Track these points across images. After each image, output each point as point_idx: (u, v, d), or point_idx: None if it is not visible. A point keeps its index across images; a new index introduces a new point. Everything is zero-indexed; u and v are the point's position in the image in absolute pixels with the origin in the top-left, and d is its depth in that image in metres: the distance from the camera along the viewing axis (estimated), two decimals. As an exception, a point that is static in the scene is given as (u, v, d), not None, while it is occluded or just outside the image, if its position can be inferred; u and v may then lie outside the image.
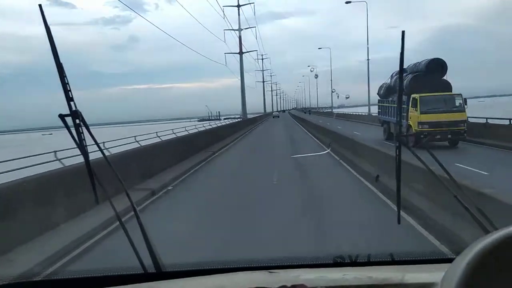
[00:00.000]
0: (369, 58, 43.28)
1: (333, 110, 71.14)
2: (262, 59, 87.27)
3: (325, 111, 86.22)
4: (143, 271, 1.52)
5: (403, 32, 1.54)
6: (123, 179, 1.58)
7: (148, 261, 1.51)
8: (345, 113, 61.47)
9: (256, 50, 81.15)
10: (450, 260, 0.95)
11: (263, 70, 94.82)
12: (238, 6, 53.59)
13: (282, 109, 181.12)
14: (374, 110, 32.93)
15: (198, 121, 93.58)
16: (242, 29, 55.27)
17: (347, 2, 42.53)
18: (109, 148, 16.40)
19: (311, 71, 70.28)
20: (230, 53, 55.23)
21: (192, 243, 6.32)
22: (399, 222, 1.88)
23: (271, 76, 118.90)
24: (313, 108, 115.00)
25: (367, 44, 42.88)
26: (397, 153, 1.62)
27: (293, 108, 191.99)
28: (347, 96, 60.25)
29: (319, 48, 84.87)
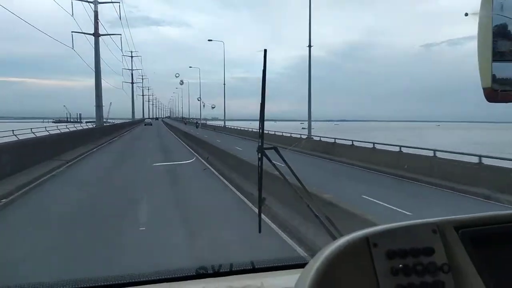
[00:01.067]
0: (243, 76, 45.63)
1: (201, 121, 72.83)
2: (132, 56, 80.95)
3: (192, 121, 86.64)
4: None
5: (265, 51, 1.62)
6: None
7: None
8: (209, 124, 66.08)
9: (120, 35, 58.79)
10: (304, 265, 1.03)
11: (132, 70, 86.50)
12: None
13: (155, 116, 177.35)
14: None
15: (54, 122, 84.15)
16: (99, 2, 38.86)
17: (209, 40, 49.13)
18: None
19: (176, 76, 68.94)
20: (80, 33, 37.28)
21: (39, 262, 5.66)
22: (260, 231, 1.97)
23: (142, 79, 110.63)
24: (186, 118, 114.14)
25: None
26: (259, 164, 1.70)
27: (166, 117, 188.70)
28: (213, 106, 61.92)
29: (190, 67, 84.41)
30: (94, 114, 41.07)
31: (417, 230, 0.98)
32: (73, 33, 35.34)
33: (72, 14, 34.67)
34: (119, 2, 49.18)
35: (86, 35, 38.17)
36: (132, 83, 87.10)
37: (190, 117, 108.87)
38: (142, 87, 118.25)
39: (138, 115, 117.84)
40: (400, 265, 0.93)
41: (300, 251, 6.22)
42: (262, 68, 1.61)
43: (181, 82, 70.51)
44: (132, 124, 74.20)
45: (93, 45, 38.61)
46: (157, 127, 69.05)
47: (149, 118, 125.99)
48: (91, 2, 37.88)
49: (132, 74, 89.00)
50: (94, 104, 39.40)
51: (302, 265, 1.61)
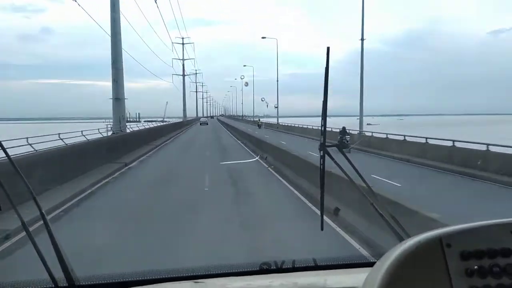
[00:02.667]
0: (295, 72, 45.08)
1: (260, 119, 72.33)
2: (183, 43, 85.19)
3: (252, 119, 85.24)
4: (53, 286, 1.42)
5: (328, 48, 1.62)
6: (30, 183, 1.46)
7: (59, 274, 1.40)
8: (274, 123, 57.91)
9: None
10: (370, 264, 1.03)
11: (196, 83, 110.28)
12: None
13: (210, 115, 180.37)
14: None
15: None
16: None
17: (263, 38, 50.48)
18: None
19: (242, 78, 71.98)
20: (176, 75, 72.97)
21: (111, 253, 6.05)
22: (322, 228, 1.98)
23: (202, 86, 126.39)
24: (240, 116, 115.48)
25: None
26: (321, 162, 1.71)
27: (221, 115, 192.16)
28: (275, 106, 61.19)
29: (244, 66, 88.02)
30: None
31: (494, 231, 0.96)
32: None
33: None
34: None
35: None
36: (184, 75, 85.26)
37: (245, 114, 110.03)
38: (196, 81, 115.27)
39: (191, 114, 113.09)
40: (476, 266, 0.91)
41: (362, 251, 6.13)
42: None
43: (246, 84, 72.74)
44: (179, 126, 54.09)
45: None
46: (213, 129, 59.25)
47: (204, 117, 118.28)
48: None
49: (196, 86, 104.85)
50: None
51: (365, 264, 1.61)
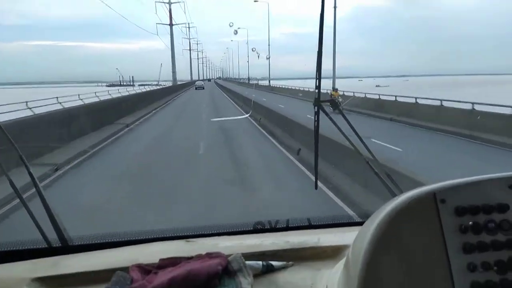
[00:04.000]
0: (293, 31, 44.14)
1: (258, 82, 71.72)
2: (188, 27, 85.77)
3: (252, 82, 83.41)
4: (46, 245, 1.44)
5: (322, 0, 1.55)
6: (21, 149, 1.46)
7: (52, 235, 1.43)
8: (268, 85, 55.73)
9: (185, 24, 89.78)
10: (361, 224, 1.02)
11: (189, 39, 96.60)
12: None
13: (207, 77, 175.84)
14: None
15: (107, 85, 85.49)
16: (172, 2, 62.82)
17: (255, 1, 47.38)
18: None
19: (230, 26, 69.90)
20: (161, 24, 61.61)
21: (103, 215, 6.16)
22: (316, 187, 1.98)
23: (197, 44, 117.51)
24: (236, 78, 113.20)
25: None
26: (316, 119, 1.68)
27: (218, 78, 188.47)
28: (267, 57, 60.24)
29: (237, 29, 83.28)
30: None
31: (491, 185, 0.93)
32: (157, 24, 42.21)
33: (156, 12, 40.19)
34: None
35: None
36: (190, 50, 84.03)
37: (240, 77, 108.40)
38: (197, 51, 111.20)
39: (186, 77, 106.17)
40: (470, 222, 0.89)
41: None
42: (316, 22, 1.54)
43: (235, 32, 70.24)
44: (166, 93, 43.19)
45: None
46: (210, 93, 53.07)
47: (200, 80, 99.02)
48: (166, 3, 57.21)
49: (189, 44, 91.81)
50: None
51: (357, 224, 1.62)
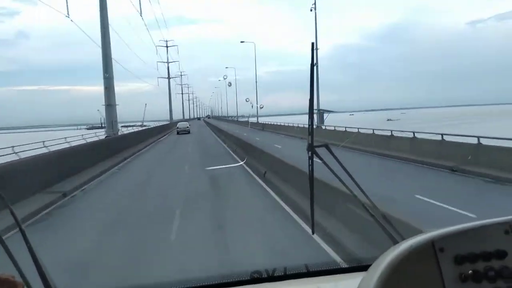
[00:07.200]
0: (278, 70, 45.24)
1: (249, 119, 72.26)
2: (167, 46, 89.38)
3: (241, 120, 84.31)
4: None
5: (312, 44, 1.64)
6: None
7: (38, 286, 1.36)
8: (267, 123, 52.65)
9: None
10: (362, 269, 1.02)
11: (182, 85, 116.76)
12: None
13: (197, 116, 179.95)
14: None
15: (87, 128, 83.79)
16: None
17: (241, 42, 54.96)
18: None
19: (224, 78, 72.76)
20: (161, 78, 79.32)
21: (92, 267, 5.98)
22: (313, 232, 1.97)
23: (188, 87, 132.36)
24: (225, 116, 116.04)
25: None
26: (310, 163, 1.70)
27: (207, 116, 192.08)
28: (261, 106, 61.78)
29: (226, 67, 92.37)
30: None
31: (488, 231, 0.95)
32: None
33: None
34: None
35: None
36: (169, 78, 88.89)
37: (229, 115, 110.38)
38: (181, 83, 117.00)
39: (178, 116, 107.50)
40: (470, 271, 0.90)
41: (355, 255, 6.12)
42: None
43: (229, 84, 73.64)
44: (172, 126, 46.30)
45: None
46: (199, 136, 42.88)
47: (184, 120, 77.74)
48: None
49: (181, 88, 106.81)
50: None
51: (357, 269, 1.61)
